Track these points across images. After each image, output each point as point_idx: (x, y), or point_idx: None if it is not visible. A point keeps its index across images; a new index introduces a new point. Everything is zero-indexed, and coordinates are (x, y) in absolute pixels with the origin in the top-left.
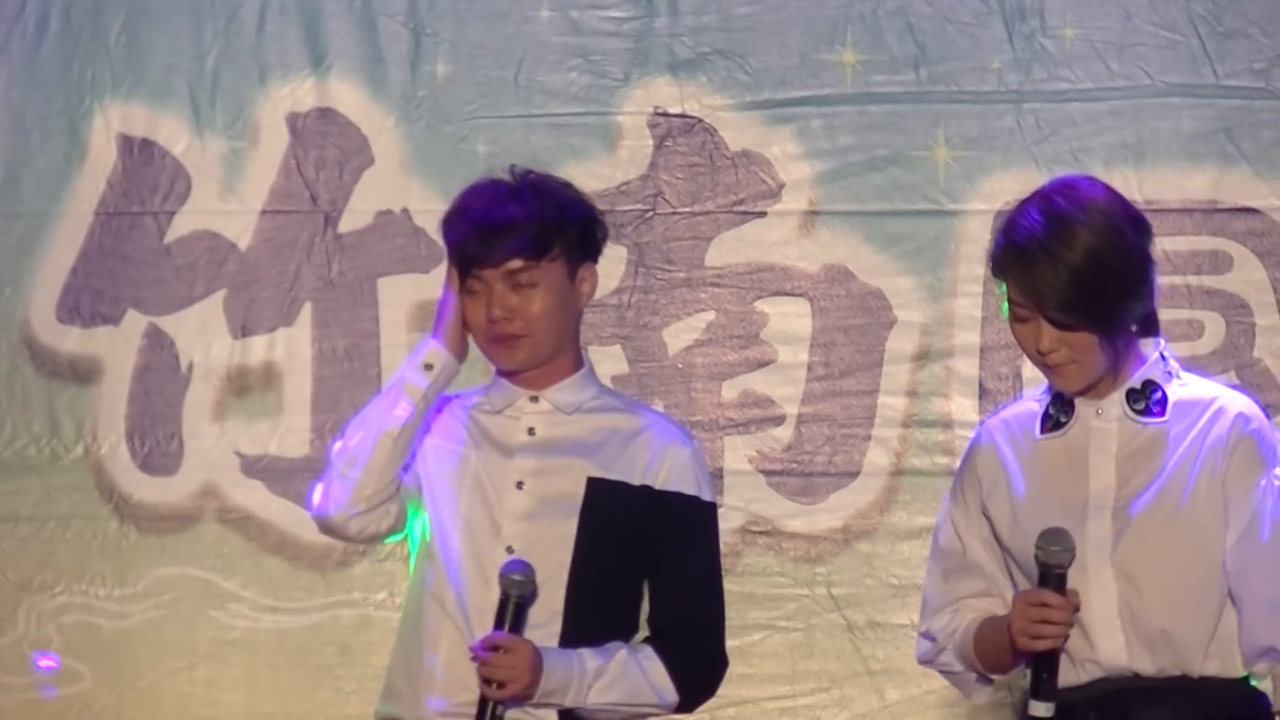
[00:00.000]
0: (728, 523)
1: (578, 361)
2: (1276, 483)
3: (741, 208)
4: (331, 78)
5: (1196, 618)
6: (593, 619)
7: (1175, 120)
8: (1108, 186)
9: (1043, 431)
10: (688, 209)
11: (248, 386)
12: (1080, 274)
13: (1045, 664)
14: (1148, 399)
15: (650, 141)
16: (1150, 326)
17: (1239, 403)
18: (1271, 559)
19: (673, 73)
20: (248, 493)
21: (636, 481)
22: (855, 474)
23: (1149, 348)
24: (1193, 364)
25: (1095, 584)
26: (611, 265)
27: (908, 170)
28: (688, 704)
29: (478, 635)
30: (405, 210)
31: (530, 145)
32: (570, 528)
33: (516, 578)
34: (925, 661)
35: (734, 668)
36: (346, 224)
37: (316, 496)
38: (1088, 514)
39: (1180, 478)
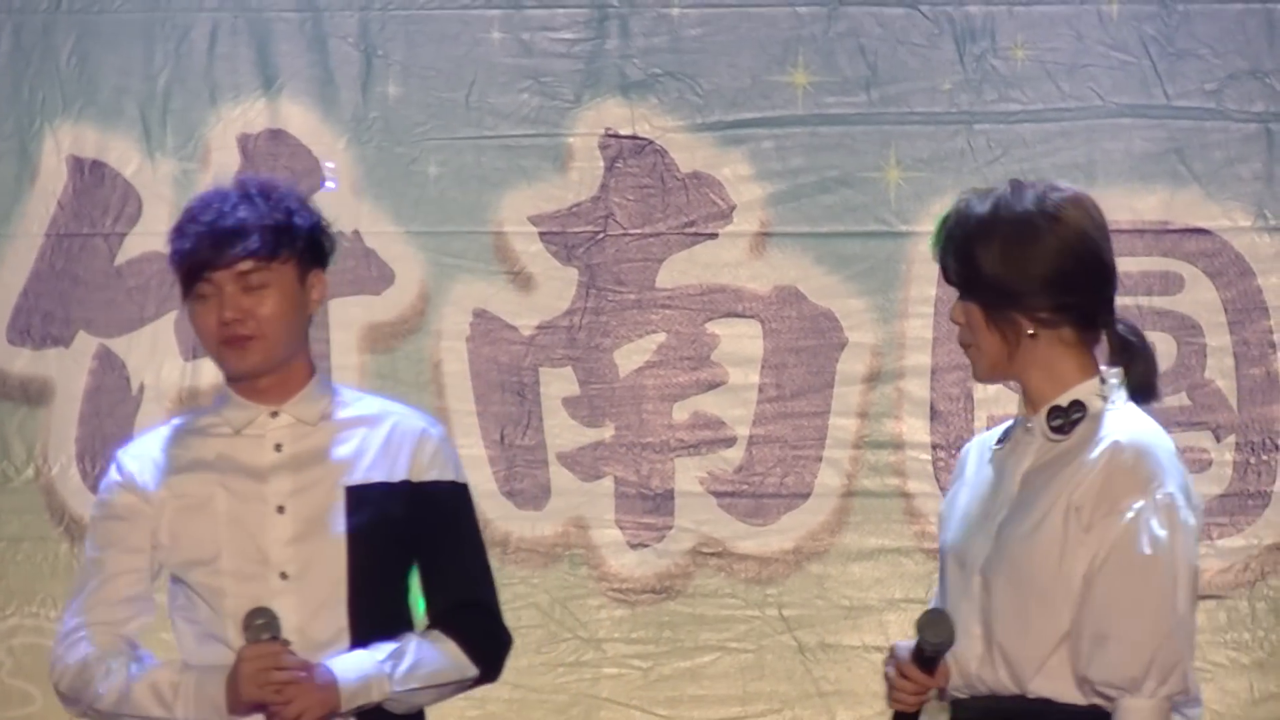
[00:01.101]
0: (679, 544)
1: (310, 369)
2: (1146, 515)
3: (692, 229)
4: (282, 99)
5: (1028, 635)
6: (378, 626)
7: (1126, 141)
8: (1075, 196)
9: (998, 443)
10: (639, 230)
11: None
12: (963, 237)
13: (898, 716)
14: (1068, 418)
15: (601, 163)
16: (1119, 351)
17: (1129, 431)
18: (1109, 590)
19: (624, 94)
20: None
21: (397, 479)
22: (806, 495)
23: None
24: None
25: (967, 592)
26: (562, 286)
27: (859, 191)
28: (486, 677)
29: None
30: (356, 232)
31: (481, 167)
32: (340, 542)
33: (259, 622)
34: None
35: (684, 689)
36: None
37: (61, 679)
38: (987, 524)
39: (1048, 498)
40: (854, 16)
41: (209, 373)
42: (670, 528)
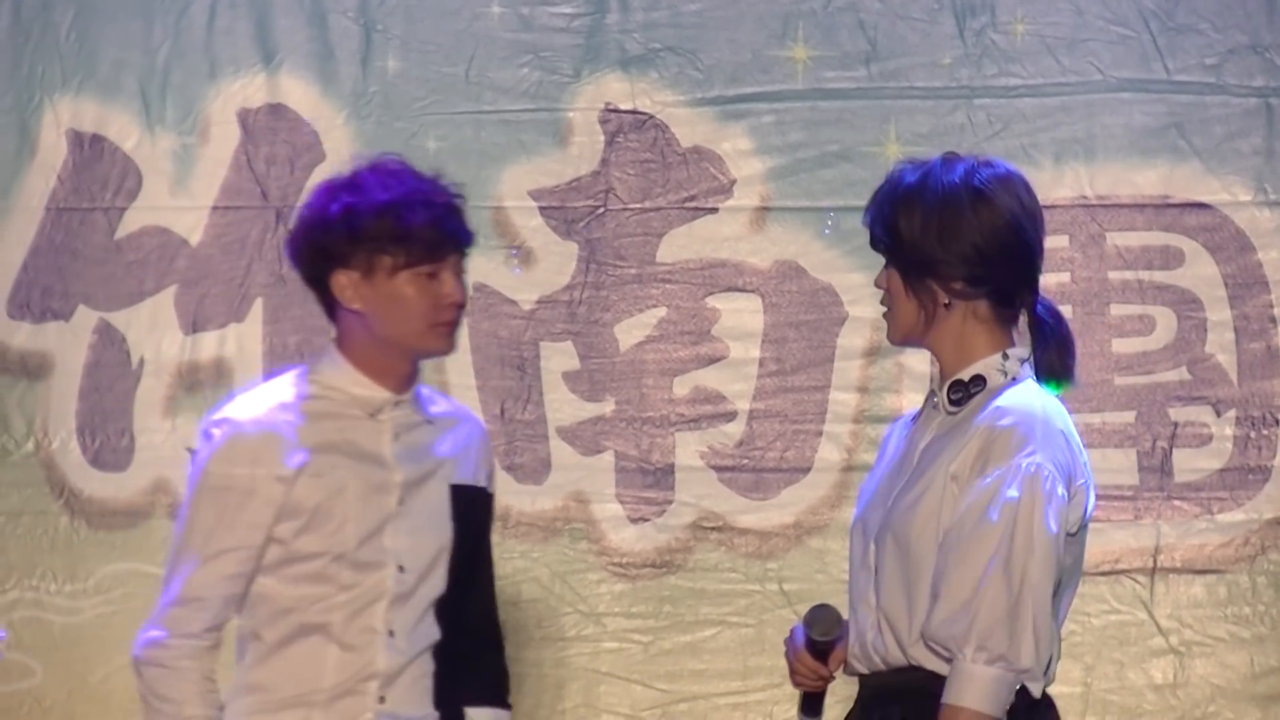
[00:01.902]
0: (679, 519)
1: None
2: (1006, 480)
3: (693, 204)
4: (282, 74)
5: (908, 600)
6: (459, 626)
7: (1126, 115)
8: (1006, 175)
9: (913, 420)
10: (639, 205)
11: (199, 382)
12: (889, 203)
13: (806, 694)
14: (967, 392)
15: (601, 138)
16: (1032, 332)
17: (1014, 401)
18: (950, 550)
19: (624, 69)
20: None
21: (480, 484)
22: (807, 470)
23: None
24: (1145, 359)
25: (864, 562)
26: (563, 261)
27: (859, 166)
28: None
29: (362, 656)
30: None
31: (481, 141)
32: (448, 540)
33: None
34: None
35: (685, 663)
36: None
37: (153, 680)
38: (888, 497)
39: (934, 468)
40: None
41: (208, 346)
42: (670, 502)
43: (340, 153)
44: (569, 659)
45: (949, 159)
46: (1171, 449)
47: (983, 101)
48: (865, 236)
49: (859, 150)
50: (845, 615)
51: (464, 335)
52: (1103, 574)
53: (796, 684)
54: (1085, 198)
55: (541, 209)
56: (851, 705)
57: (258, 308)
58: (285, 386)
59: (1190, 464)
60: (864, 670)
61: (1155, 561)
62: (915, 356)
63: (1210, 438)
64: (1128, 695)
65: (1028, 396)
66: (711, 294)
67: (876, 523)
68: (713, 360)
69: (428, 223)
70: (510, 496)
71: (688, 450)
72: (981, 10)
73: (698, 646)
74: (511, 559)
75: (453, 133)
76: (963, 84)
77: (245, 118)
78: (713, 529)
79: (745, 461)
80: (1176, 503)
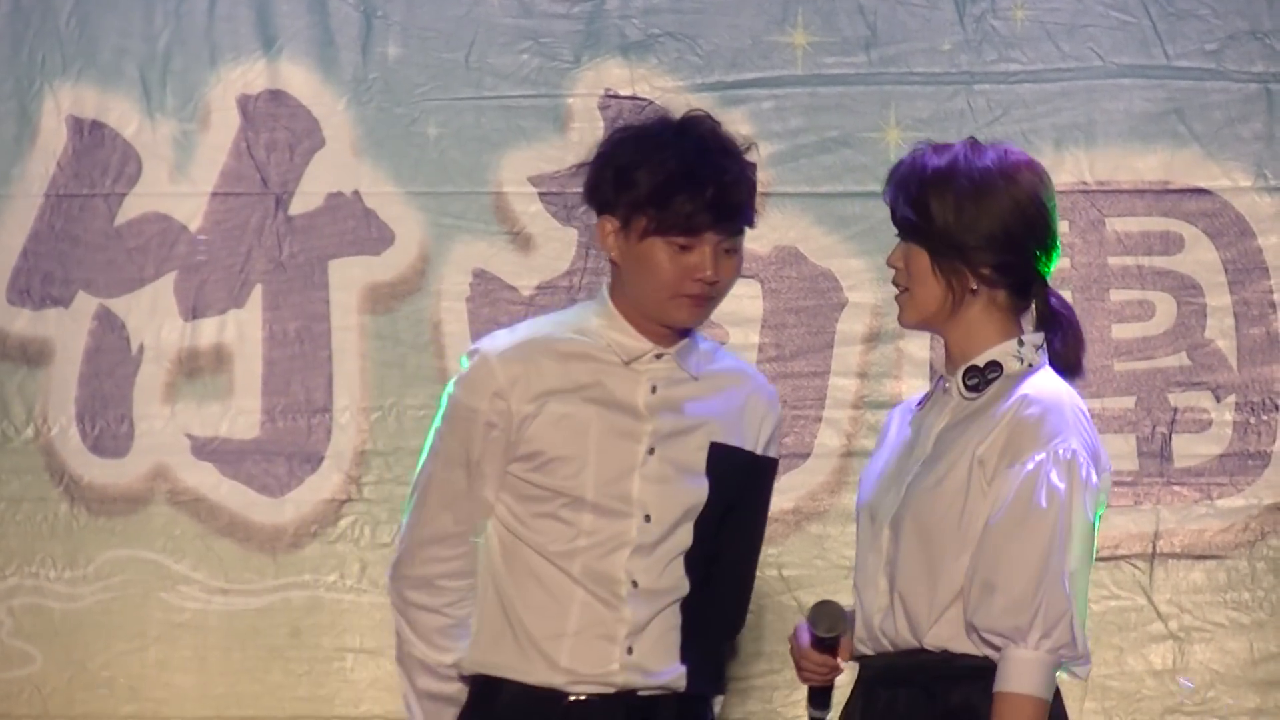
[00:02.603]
0: None
1: None
2: (1046, 468)
3: None
4: (282, 60)
5: (928, 584)
6: (704, 584)
7: (1126, 101)
8: (1031, 161)
9: (918, 405)
10: None
11: (198, 369)
12: (917, 184)
13: (813, 688)
14: (983, 378)
15: (601, 124)
16: (1045, 320)
17: (1038, 388)
18: (1000, 539)
19: (624, 55)
20: (198, 475)
21: (749, 446)
22: (806, 455)
23: (1024, 335)
24: (1144, 345)
25: (875, 545)
26: (563, 247)
27: (859, 152)
28: None
29: (607, 604)
30: (356, 192)
31: (481, 127)
32: (701, 495)
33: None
34: None
35: None
36: (297, 206)
37: (411, 615)
38: (899, 481)
39: (955, 452)
40: None
41: (208, 333)
42: None
43: (340, 139)
44: None
45: (975, 144)
46: (1171, 434)
47: (982, 87)
48: (865, 222)
49: (859, 136)
50: (846, 600)
51: (464, 321)
52: (1102, 559)
53: (804, 679)
54: (1085, 183)
55: (541, 195)
56: (851, 688)
57: (257, 294)
58: (548, 324)
59: (1190, 449)
60: (869, 651)
61: (1155, 547)
62: (915, 342)
63: (1210, 423)
64: (1127, 681)
65: (1054, 383)
66: None
67: (889, 507)
68: None
69: (690, 197)
70: None
71: None
72: None
73: None
74: None
75: (453, 119)
76: (962, 69)
77: (245, 104)
78: None
79: None
80: (1176, 488)
